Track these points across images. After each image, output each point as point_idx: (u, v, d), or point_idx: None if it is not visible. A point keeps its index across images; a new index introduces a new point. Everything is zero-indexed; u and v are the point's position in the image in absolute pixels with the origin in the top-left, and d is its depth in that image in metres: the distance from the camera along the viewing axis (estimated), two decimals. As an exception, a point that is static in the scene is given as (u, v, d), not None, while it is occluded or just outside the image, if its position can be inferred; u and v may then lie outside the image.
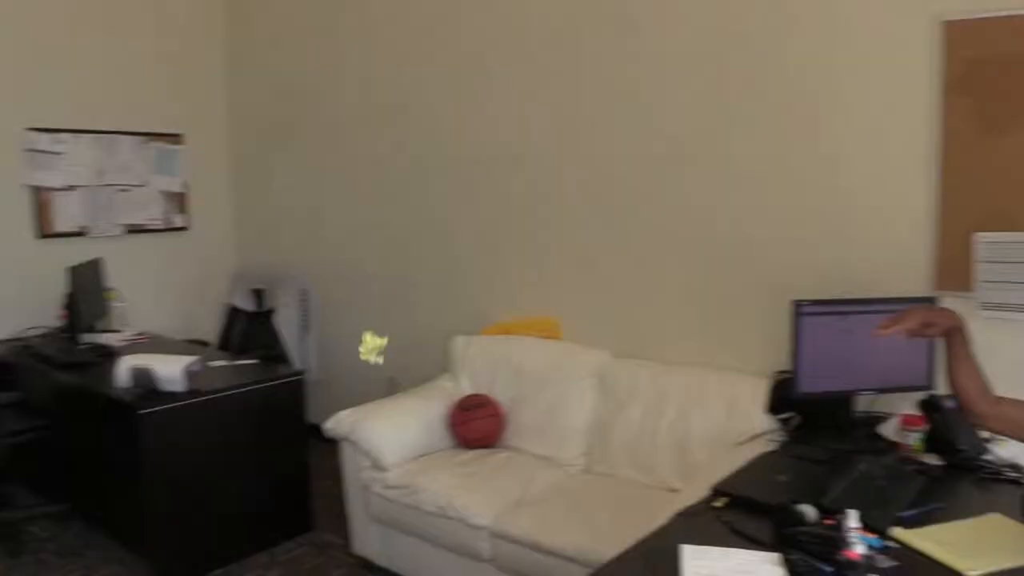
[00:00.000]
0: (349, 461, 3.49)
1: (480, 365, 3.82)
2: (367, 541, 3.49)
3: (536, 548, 2.81)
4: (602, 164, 3.69)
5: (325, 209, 4.99)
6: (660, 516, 2.16)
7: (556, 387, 3.53)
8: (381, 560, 3.45)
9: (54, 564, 3.60)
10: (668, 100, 3.45)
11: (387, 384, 4.71)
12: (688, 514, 2.14)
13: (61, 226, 4.79)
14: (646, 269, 3.61)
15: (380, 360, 3.10)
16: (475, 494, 3.07)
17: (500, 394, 3.69)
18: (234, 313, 5.20)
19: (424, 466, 3.31)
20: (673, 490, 2.98)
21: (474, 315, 4.26)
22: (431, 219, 4.41)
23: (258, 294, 5.09)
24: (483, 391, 3.75)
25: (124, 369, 3.44)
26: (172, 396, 3.38)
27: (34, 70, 4.64)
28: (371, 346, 3.13)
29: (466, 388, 3.82)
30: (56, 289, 4.75)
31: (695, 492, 2.31)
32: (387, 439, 3.36)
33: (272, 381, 3.71)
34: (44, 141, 4.68)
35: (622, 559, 1.90)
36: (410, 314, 4.59)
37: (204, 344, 4.79)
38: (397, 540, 3.35)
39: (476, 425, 3.51)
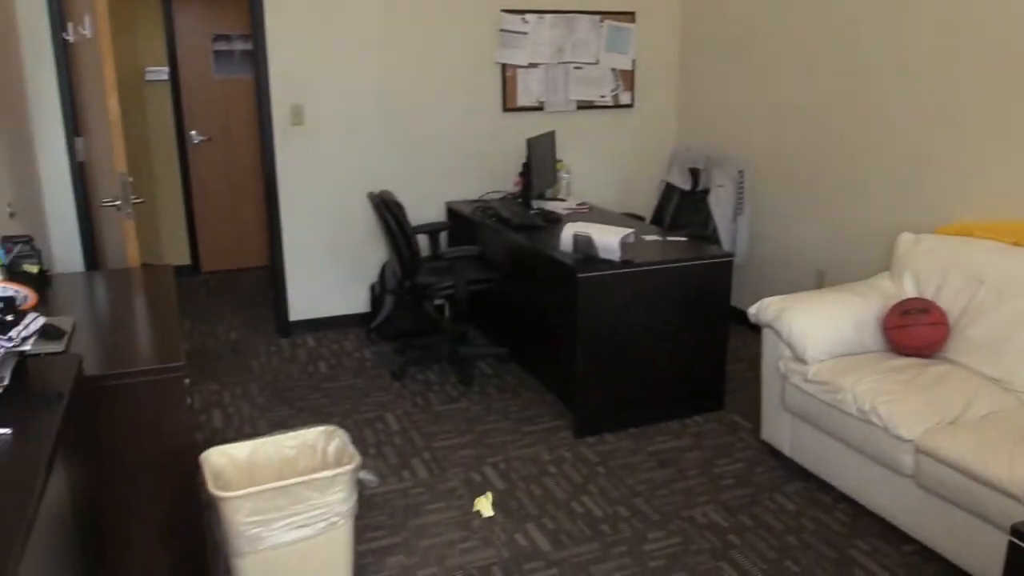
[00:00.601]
0: (769, 349, 3.43)
1: (928, 267, 3.44)
2: (776, 430, 3.44)
3: (968, 474, 2.53)
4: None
5: (767, 89, 4.77)
6: None
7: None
8: (789, 451, 3.39)
9: (495, 396, 4.15)
10: None
11: (816, 277, 4.51)
12: None
13: (522, 101, 5.25)
14: None
15: (489, 512, 3.09)
16: (905, 404, 2.83)
17: (947, 301, 3.30)
18: (669, 190, 5.31)
19: (849, 366, 3.12)
20: None
21: (926, 212, 3.83)
22: (882, 101, 3.98)
23: (694, 173, 5.11)
24: (927, 296, 3.39)
25: (567, 235, 3.73)
26: (608, 264, 3.59)
27: (510, -47, 5.04)
28: (483, 505, 3.09)
29: (908, 290, 3.48)
30: (514, 158, 5.28)
31: None
32: (813, 332, 3.22)
33: (700, 260, 3.75)
34: (513, 22, 5.10)
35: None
36: (849, 205, 4.27)
37: (638, 218, 4.99)
38: (808, 435, 3.26)
39: (917, 331, 3.19)
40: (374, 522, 3.05)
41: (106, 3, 3.17)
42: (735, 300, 4.95)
